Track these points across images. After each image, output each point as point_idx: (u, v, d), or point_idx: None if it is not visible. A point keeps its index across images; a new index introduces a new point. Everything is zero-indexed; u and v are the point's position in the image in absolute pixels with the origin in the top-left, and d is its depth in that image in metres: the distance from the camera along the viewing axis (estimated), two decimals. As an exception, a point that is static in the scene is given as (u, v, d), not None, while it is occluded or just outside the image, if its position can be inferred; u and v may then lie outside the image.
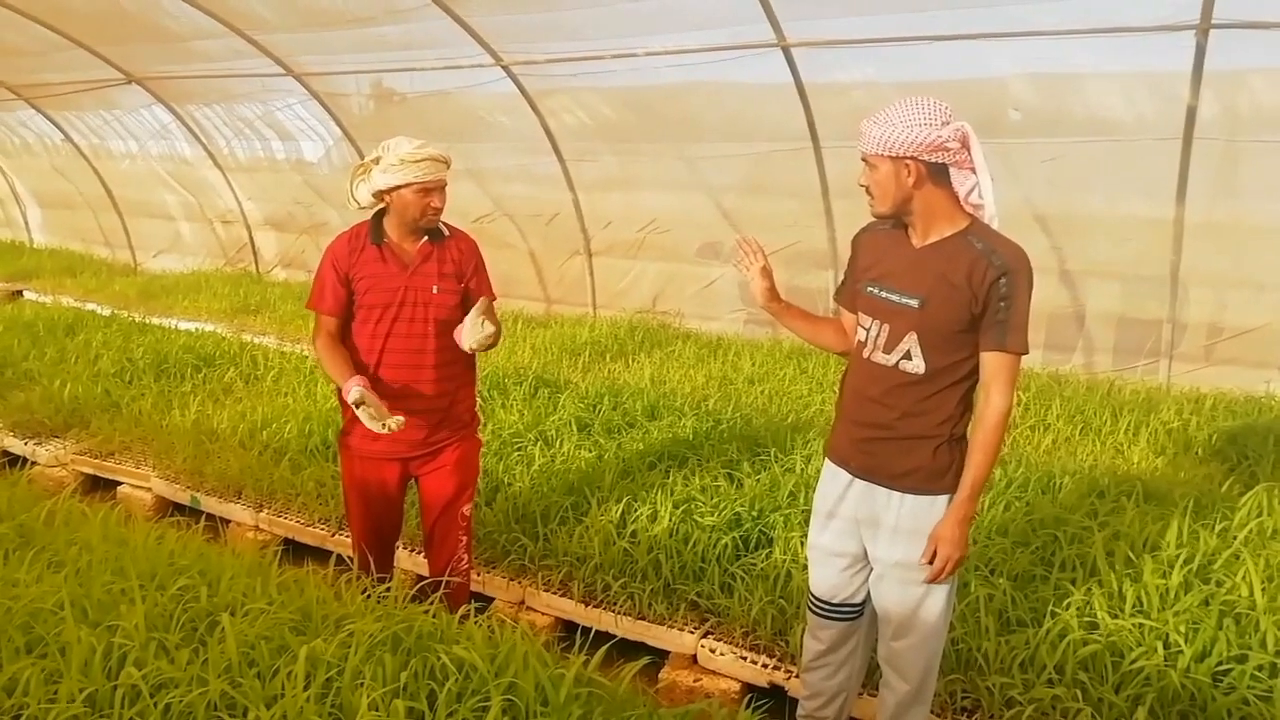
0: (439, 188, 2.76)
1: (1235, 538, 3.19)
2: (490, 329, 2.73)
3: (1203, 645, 2.68)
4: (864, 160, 2.20)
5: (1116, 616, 2.85)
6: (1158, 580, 2.97)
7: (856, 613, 2.46)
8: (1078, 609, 2.90)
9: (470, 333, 2.74)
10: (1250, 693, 2.53)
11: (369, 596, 2.45)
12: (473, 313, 2.73)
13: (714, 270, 7.48)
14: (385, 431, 2.56)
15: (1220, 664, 2.65)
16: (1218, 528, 3.29)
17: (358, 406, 2.60)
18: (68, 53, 8.13)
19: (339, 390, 2.95)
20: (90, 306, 8.14)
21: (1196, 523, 3.30)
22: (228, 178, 9.77)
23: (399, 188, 2.72)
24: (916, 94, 2.13)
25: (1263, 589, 2.87)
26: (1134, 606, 2.90)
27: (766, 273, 2.44)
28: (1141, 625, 2.80)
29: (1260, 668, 2.61)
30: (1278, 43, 4.55)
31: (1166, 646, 2.71)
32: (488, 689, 2.00)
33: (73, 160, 10.91)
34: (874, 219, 2.32)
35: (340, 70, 7.70)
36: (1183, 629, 2.74)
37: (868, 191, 2.23)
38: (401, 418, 2.60)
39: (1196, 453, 4.54)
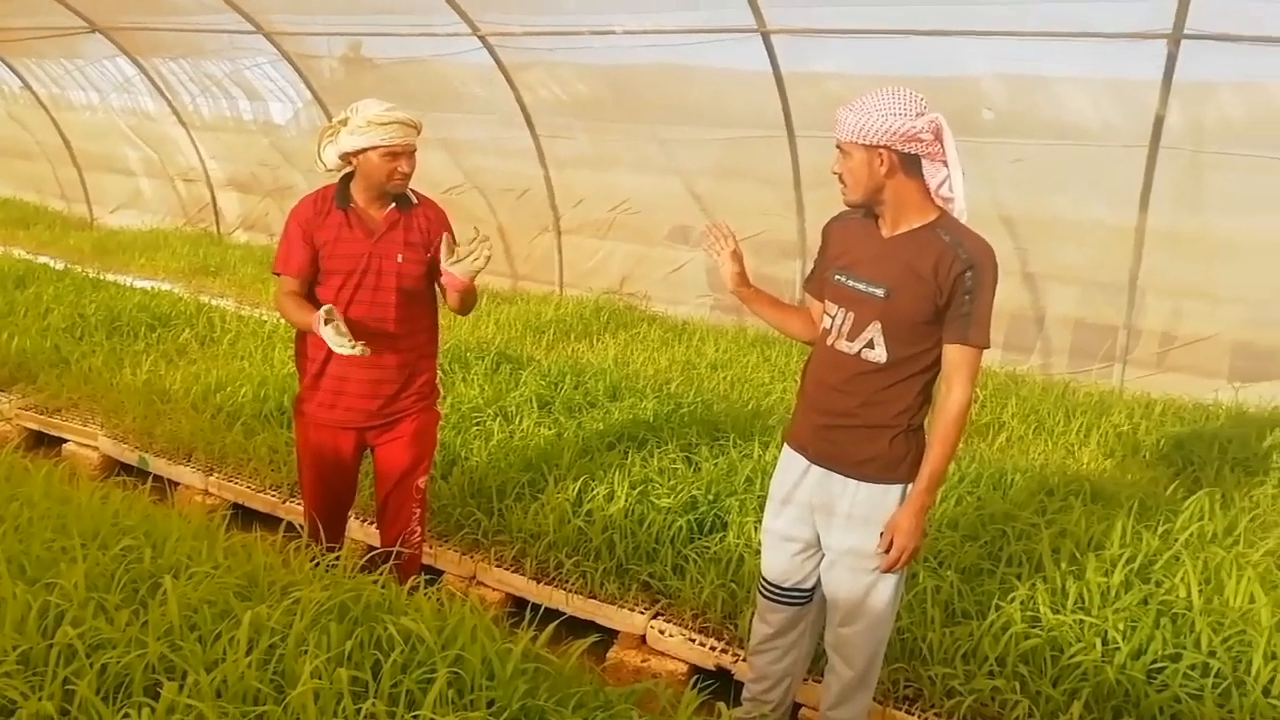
0: (407, 152, 2.71)
1: (1176, 540, 3.27)
2: (476, 261, 2.63)
3: (1139, 643, 2.75)
4: (838, 147, 2.20)
5: (1058, 612, 2.91)
6: (1100, 578, 3.03)
7: (806, 598, 2.48)
8: (1021, 603, 2.95)
9: (463, 265, 2.64)
10: (1182, 690, 2.60)
11: (317, 565, 2.42)
12: (461, 246, 2.65)
13: (683, 254, 7.47)
14: (353, 352, 2.51)
15: (1155, 662, 2.71)
16: (1160, 530, 3.36)
17: (327, 324, 2.52)
18: (29, -3, 7.89)
19: (297, 355, 2.91)
20: (43, 260, 7.90)
21: (1140, 524, 3.37)
22: (191, 135, 9.54)
23: (365, 150, 2.67)
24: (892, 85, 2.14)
25: (1200, 590, 2.95)
26: (1076, 603, 2.95)
27: (737, 257, 2.44)
28: (1082, 621, 2.85)
29: (1193, 667, 2.67)
30: (1246, 55, 4.63)
31: (1105, 643, 2.77)
32: (434, 661, 1.98)
33: (31, 109, 10.58)
34: (846, 208, 2.32)
35: (312, 31, 7.53)
36: (1121, 626, 2.80)
37: (840, 179, 2.23)
38: (368, 348, 2.55)
39: (1144, 456, 4.64)
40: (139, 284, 7.14)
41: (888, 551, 2.24)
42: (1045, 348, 6.24)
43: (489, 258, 2.64)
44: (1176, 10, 4.49)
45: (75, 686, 1.81)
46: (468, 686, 1.96)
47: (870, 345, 2.23)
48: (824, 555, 2.40)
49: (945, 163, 2.15)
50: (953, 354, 2.18)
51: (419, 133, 2.73)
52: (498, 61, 6.79)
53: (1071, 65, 5.14)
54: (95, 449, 4.51)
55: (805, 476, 2.37)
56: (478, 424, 4.33)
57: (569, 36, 6.25)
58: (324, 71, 8.12)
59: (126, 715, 1.76)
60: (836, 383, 2.30)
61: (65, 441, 4.65)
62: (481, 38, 6.57)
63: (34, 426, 4.77)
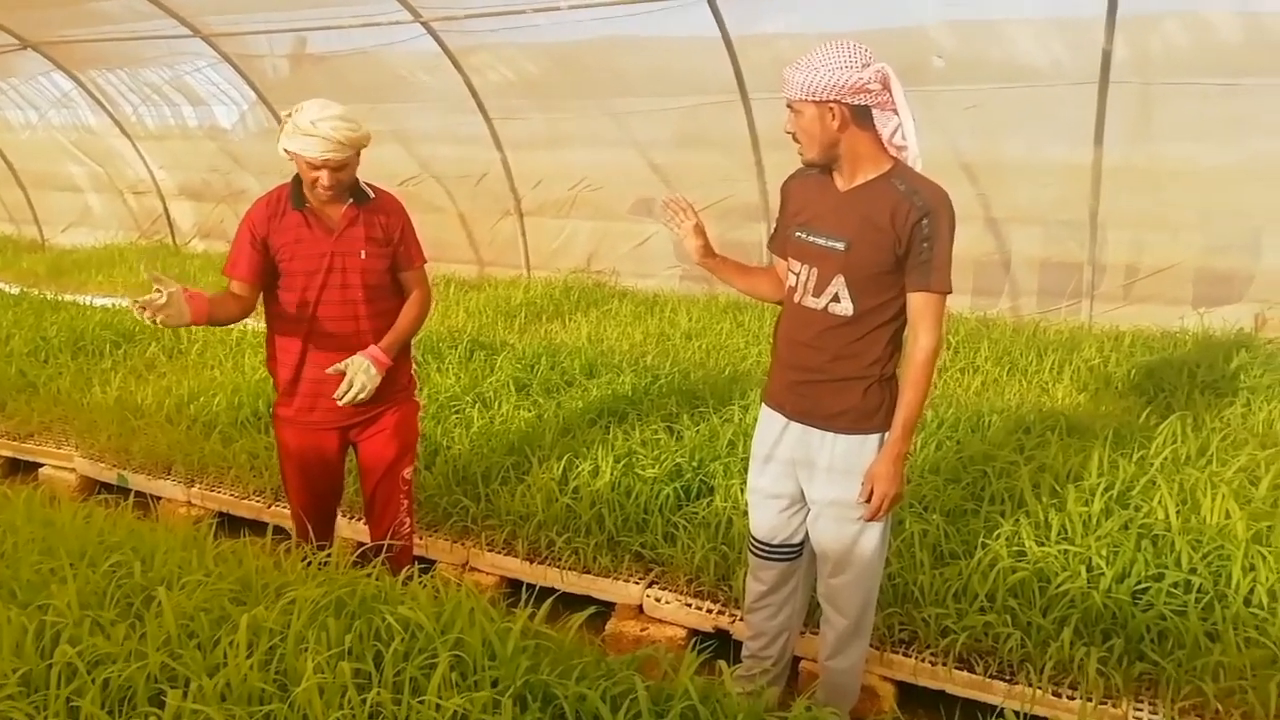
0: (328, 168, 2.61)
1: (1152, 465, 3.35)
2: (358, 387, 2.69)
3: (1122, 567, 2.82)
4: (789, 106, 2.21)
5: (1043, 544, 2.97)
6: (1080, 508, 3.10)
7: (795, 553, 2.51)
8: (1006, 539, 3.01)
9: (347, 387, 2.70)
10: (1166, 608, 2.68)
11: (309, 564, 2.42)
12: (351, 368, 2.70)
13: (648, 227, 7.46)
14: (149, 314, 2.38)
15: (1139, 583, 2.79)
16: (1135, 456, 3.44)
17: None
18: (-45, 17, 7.68)
19: (269, 360, 2.90)
20: (-3, 285, 7.78)
21: (1116, 453, 3.45)
22: (137, 146, 9.36)
23: (294, 154, 2.63)
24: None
25: (1177, 512, 3.02)
26: (1059, 534, 3.02)
27: (699, 230, 2.46)
28: (1066, 551, 2.92)
29: (1175, 585, 2.75)
30: (1186, -15, 4.68)
31: (1089, 570, 2.84)
32: (434, 646, 1.99)
33: (-32, 133, 10.34)
34: (804, 166, 2.34)
35: (251, 29, 7.40)
36: (1104, 552, 2.87)
37: (795, 138, 2.24)
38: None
39: (1116, 388, 4.73)
40: (99, 302, 7.02)
41: (869, 500, 2.28)
42: (1013, 290, 6.32)
43: (353, 386, 2.69)
44: (1115, -56, 4.53)
45: (79, 704, 1.82)
46: (470, 668, 1.97)
47: (836, 299, 2.25)
48: (809, 509, 2.43)
49: (895, 111, 2.16)
50: (916, 301, 2.21)
51: (355, 149, 2.63)
52: (443, 46, 6.72)
53: (1018, 6, 5.18)
54: (72, 470, 4.46)
55: (784, 433, 2.40)
56: (456, 412, 4.32)
57: (513, 16, 6.18)
58: (267, 71, 7.98)
59: (133, 726, 1.77)
60: (806, 339, 2.32)
61: (41, 466, 4.59)
62: (424, 24, 6.49)
63: (7, 454, 4.70)
